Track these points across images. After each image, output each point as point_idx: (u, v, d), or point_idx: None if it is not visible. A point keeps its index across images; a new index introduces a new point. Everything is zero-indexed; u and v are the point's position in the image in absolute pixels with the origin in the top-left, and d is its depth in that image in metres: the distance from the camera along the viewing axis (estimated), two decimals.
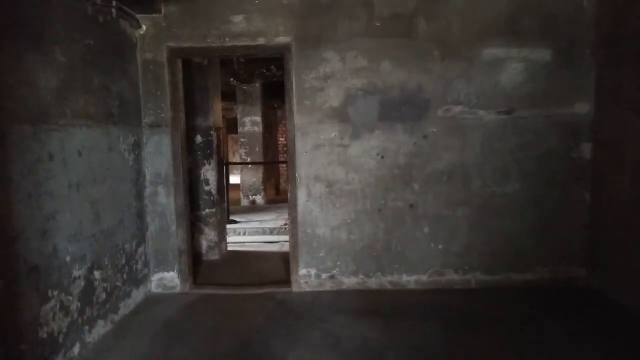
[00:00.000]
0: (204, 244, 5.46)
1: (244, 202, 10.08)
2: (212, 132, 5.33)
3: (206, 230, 5.44)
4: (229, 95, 10.27)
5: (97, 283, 3.21)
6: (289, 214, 4.22)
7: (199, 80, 5.25)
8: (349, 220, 4.12)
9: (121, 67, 3.69)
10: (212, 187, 5.40)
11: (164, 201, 4.12)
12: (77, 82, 3.02)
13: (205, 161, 5.35)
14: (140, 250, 3.96)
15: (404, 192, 4.07)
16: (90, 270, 3.11)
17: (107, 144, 3.40)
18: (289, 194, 4.17)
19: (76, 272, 2.94)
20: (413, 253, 4.11)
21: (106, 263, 3.35)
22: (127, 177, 3.74)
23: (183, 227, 4.17)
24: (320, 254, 4.16)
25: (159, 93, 4.05)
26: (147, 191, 4.10)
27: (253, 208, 9.57)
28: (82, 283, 3.01)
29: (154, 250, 4.16)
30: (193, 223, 5.36)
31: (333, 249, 4.15)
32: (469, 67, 3.96)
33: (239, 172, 10.54)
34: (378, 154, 4.06)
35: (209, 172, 5.37)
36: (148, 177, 4.10)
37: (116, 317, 3.48)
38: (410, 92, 3.99)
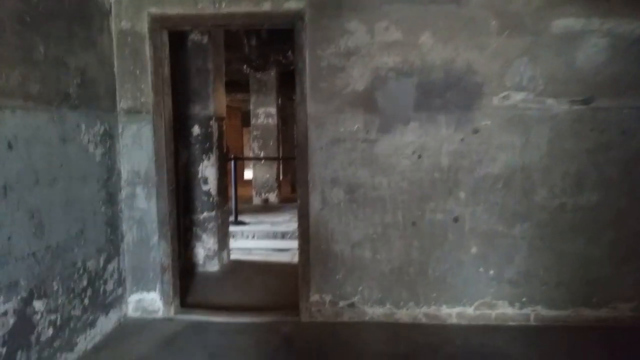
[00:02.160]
0: (202, 252, 4.66)
1: (256, 200, 9.31)
2: (212, 123, 4.52)
3: (204, 237, 4.64)
4: (243, 86, 9.51)
5: (38, 317, 2.41)
6: (298, 225, 3.38)
7: (197, 62, 4.44)
8: (374, 236, 3.26)
9: (86, 36, 2.89)
10: (211, 186, 4.59)
11: (143, 206, 3.32)
12: (7, 50, 2.22)
13: (203, 156, 4.54)
14: (112, 266, 3.17)
15: (447, 202, 3.19)
16: (26, 302, 2.32)
17: (59, 133, 2.59)
18: (298, 200, 3.33)
19: (0, 307, 2.15)
20: (456, 279, 3.23)
21: (55, 288, 2.56)
22: (92, 175, 2.94)
23: (166, 238, 3.36)
24: (337, 277, 3.31)
25: (138, 72, 3.24)
26: (123, 193, 3.30)
27: (265, 207, 8.79)
28: (11, 320, 2.21)
29: (132, 266, 3.37)
30: (189, 229, 4.59)
31: (354, 271, 3.30)
32: (535, 43, 3.05)
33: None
34: (414, 153, 3.19)
35: (207, 169, 4.56)
36: (124, 176, 3.30)
37: (71, 357, 2.70)
38: (458, 74, 3.11)
